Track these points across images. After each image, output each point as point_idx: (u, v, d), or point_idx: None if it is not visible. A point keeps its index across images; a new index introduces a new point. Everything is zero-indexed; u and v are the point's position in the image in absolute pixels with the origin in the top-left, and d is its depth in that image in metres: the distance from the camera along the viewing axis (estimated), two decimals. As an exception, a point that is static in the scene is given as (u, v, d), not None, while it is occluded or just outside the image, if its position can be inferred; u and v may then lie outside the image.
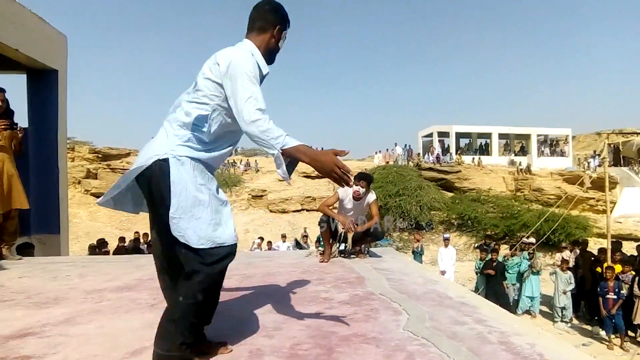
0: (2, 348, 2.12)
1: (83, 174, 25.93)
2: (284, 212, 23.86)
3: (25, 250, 5.52)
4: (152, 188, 1.84)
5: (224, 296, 3.05)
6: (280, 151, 1.74)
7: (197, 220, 1.79)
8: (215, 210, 1.85)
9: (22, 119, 5.60)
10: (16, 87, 6.61)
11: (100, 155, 28.28)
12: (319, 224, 4.78)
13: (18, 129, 4.81)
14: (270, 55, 2.06)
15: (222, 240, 1.82)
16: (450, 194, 24.42)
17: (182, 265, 1.85)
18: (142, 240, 11.87)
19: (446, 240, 12.65)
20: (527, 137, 31.88)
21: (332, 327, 2.36)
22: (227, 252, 1.85)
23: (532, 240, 13.03)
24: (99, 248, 10.57)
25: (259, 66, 1.93)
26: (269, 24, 2.02)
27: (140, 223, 21.73)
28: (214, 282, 1.88)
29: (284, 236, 15.39)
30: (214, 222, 1.82)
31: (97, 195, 25.48)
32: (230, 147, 2.03)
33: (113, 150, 29.20)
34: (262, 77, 1.97)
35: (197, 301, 1.81)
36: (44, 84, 6.65)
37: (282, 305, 2.83)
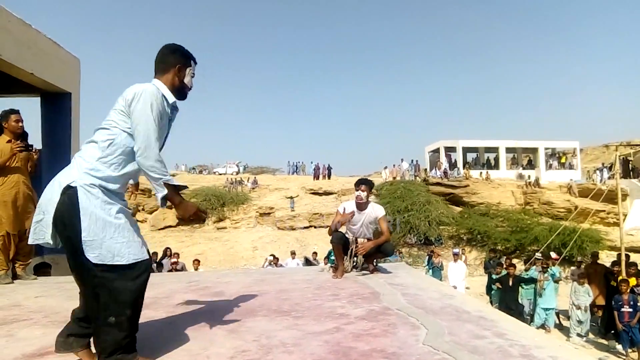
0: (24, 367, 2.13)
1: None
2: (292, 229, 23.85)
3: (43, 270, 5.53)
4: (63, 216, 1.92)
5: (240, 313, 3.06)
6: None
7: (109, 240, 1.90)
8: (126, 229, 1.97)
9: (35, 140, 5.67)
10: (29, 109, 6.72)
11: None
12: (331, 241, 4.77)
13: (34, 150, 4.85)
14: (179, 92, 2.24)
15: (135, 257, 1.95)
16: (459, 209, 24.31)
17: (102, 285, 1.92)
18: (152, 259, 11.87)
19: (456, 255, 12.55)
20: (534, 150, 31.93)
21: (351, 342, 2.35)
22: (144, 267, 2.00)
23: (539, 255, 12.84)
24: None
25: (165, 98, 2.13)
26: (169, 65, 2.20)
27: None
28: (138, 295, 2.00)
29: (293, 253, 15.33)
30: (125, 240, 1.95)
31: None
32: (135, 168, 2.09)
33: (121, 170, 29.42)
34: (171, 106, 2.18)
35: (127, 316, 1.94)
36: (57, 106, 6.70)
37: (299, 321, 2.82)
